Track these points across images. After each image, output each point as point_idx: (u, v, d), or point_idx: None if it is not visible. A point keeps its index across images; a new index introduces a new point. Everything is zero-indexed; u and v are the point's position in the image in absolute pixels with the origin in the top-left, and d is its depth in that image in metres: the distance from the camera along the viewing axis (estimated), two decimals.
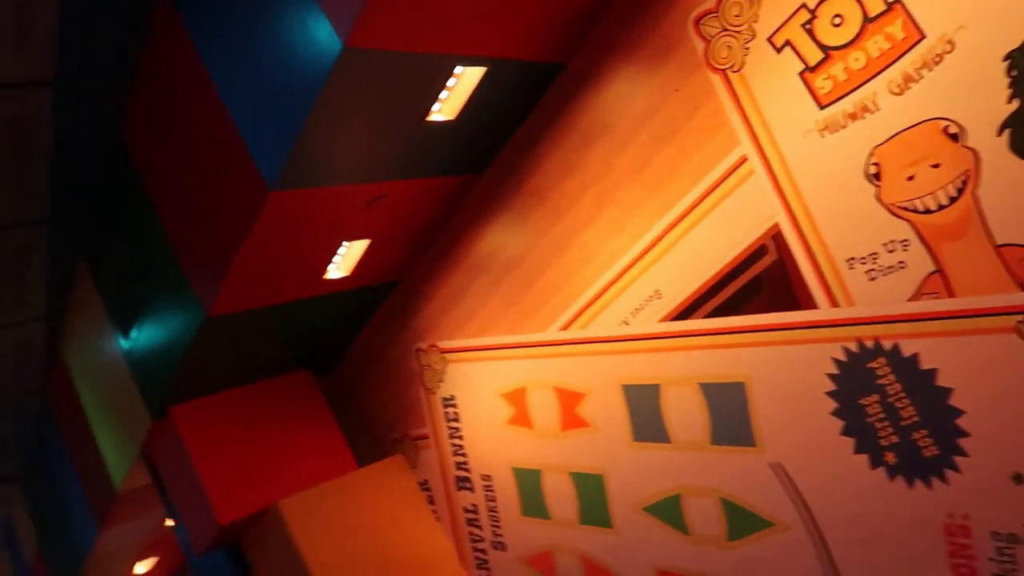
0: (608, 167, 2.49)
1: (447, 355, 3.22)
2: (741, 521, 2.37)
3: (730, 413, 2.33)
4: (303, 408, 3.54)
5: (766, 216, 2.16)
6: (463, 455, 3.25)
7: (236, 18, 2.29)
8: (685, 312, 2.41)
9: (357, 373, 3.73)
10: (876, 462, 2.06)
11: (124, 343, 3.37)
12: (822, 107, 2.03)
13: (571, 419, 2.80)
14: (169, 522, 4.45)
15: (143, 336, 3.20)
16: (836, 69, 1.99)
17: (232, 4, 2.29)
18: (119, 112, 2.86)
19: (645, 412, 2.56)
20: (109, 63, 2.67)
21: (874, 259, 1.98)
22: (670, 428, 2.51)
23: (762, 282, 2.22)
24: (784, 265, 2.16)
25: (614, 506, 2.73)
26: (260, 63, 2.24)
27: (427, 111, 2.38)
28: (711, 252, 2.29)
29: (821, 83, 2.02)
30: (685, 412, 2.45)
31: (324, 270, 2.92)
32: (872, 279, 1.99)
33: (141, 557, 5.01)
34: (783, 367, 2.19)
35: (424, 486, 3.48)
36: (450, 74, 2.30)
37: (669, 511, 2.56)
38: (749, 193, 2.17)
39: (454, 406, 3.24)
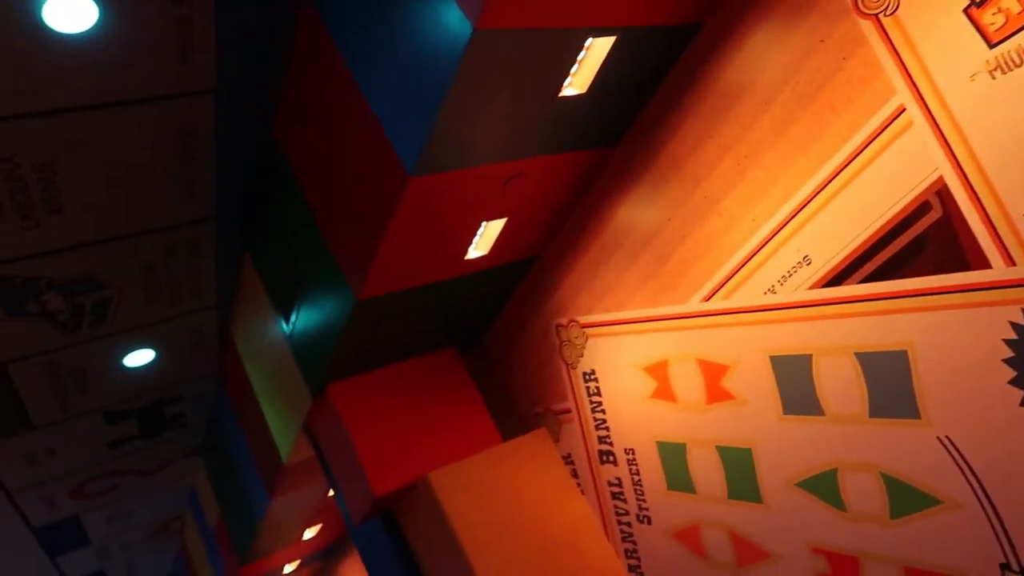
0: (748, 129, 2.38)
1: (587, 330, 3.23)
2: (905, 498, 2.23)
3: (890, 384, 2.19)
4: (449, 385, 3.67)
5: (928, 170, 1.99)
6: (606, 429, 3.26)
7: (370, 11, 2.37)
8: (837, 278, 2.28)
9: (500, 350, 3.82)
10: None
11: (285, 327, 3.62)
12: (992, 45, 1.84)
13: (716, 392, 2.73)
14: (331, 493, 4.77)
15: (302, 320, 3.42)
16: (1008, 1, 1.80)
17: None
18: (271, 112, 3.06)
19: (795, 384, 2.46)
20: (261, 68, 2.86)
21: None
22: (823, 400, 2.39)
23: (925, 242, 2.05)
24: (950, 222, 1.99)
25: (764, 481, 2.64)
26: (395, 53, 2.31)
27: (559, 86, 2.37)
28: (866, 212, 2.15)
29: (991, 18, 1.83)
30: (840, 384, 2.32)
31: (464, 251, 3.00)
32: None
33: (308, 524, 5.41)
34: (952, 333, 2.02)
35: (567, 459, 3.51)
36: (580, 47, 2.28)
37: (824, 487, 2.44)
38: (908, 146, 2.01)
39: (595, 380, 3.25)
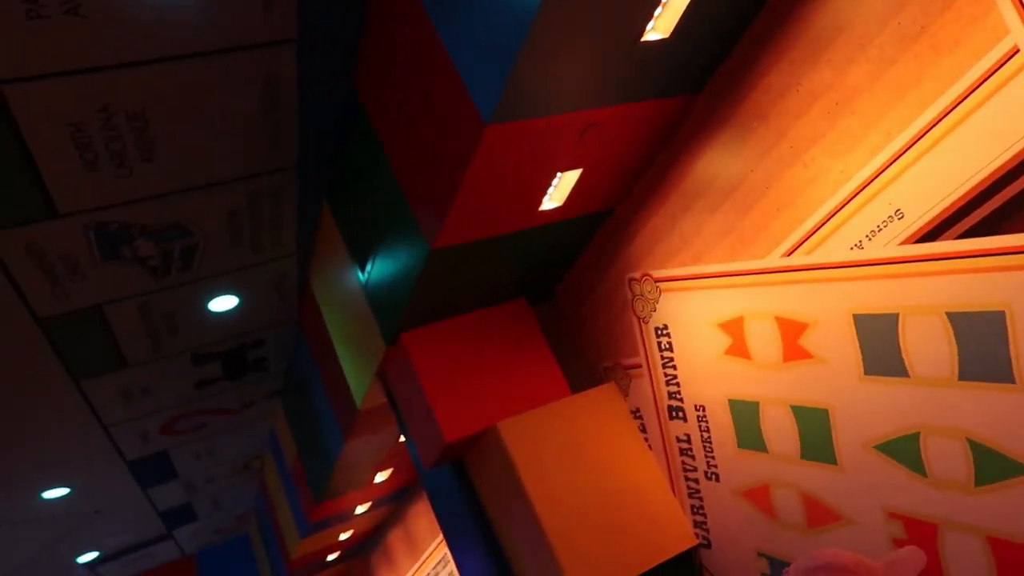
0: (842, 74, 2.26)
1: (660, 284, 3.18)
2: (992, 465, 2.13)
3: (984, 346, 2.08)
4: (520, 336, 3.69)
5: None
6: (676, 385, 3.23)
7: None
8: (931, 234, 2.16)
9: (571, 302, 3.81)
10: None
11: (362, 276, 3.69)
12: None
13: (793, 350, 2.66)
14: (402, 439, 4.91)
15: (378, 269, 3.49)
16: None
17: None
18: (352, 62, 3.08)
19: (879, 344, 2.36)
20: (342, 17, 2.87)
21: None
22: (908, 362, 2.29)
23: None
24: None
25: (840, 443, 2.57)
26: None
27: (641, 31, 2.30)
28: (967, 163, 2.02)
29: None
30: (928, 344, 2.22)
31: (539, 201, 2.98)
32: None
33: (380, 468, 5.59)
34: None
35: (636, 414, 3.50)
36: None
37: (905, 451, 2.36)
38: (1019, 91, 1.88)
39: (668, 336, 3.21)
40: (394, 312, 3.41)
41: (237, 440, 6.22)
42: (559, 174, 2.87)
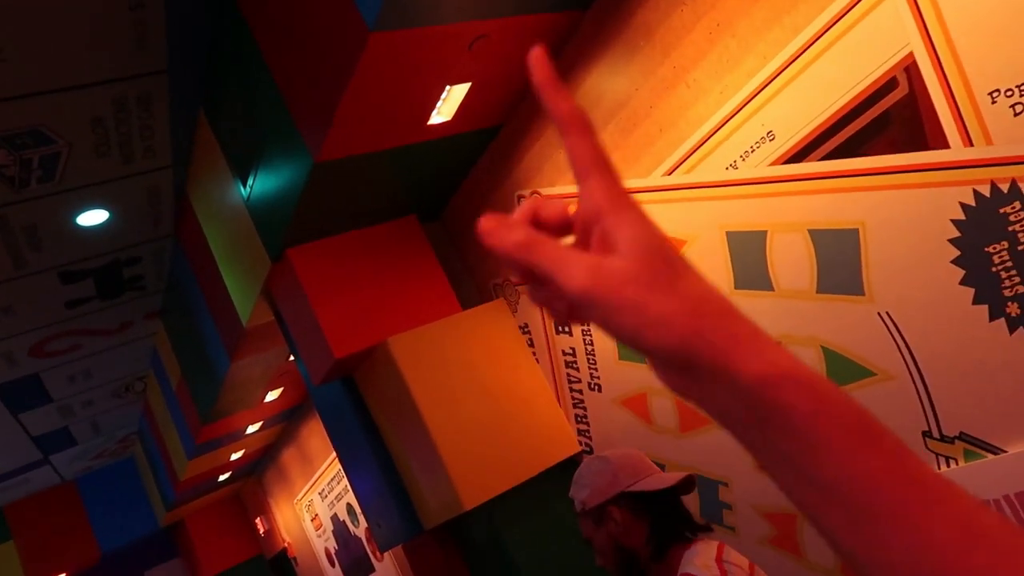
0: None
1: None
2: (842, 370, 2.34)
3: (840, 261, 2.25)
4: (410, 252, 3.67)
5: (900, 44, 1.96)
6: None
7: None
8: (799, 154, 2.28)
9: (461, 219, 3.81)
10: (996, 313, 1.96)
11: (243, 191, 3.54)
12: None
13: None
14: (292, 357, 4.85)
15: (260, 184, 3.35)
16: None
17: None
18: None
19: (748, 260, 2.51)
20: None
21: (1022, 91, 1.79)
22: (774, 276, 2.45)
23: (888, 120, 2.05)
24: (915, 100, 1.98)
25: None
26: None
27: None
28: (833, 87, 2.13)
29: None
30: (791, 260, 2.38)
31: (427, 116, 2.92)
32: (1017, 114, 1.81)
33: (270, 387, 5.52)
34: (903, 212, 2.06)
35: (524, 329, 3.60)
36: None
37: None
38: (882, 19, 1.97)
39: None
40: (278, 228, 3.31)
41: (116, 361, 5.95)
42: (448, 87, 2.81)
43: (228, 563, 9.08)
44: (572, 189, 3.05)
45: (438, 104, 2.89)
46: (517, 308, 3.60)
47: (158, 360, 6.16)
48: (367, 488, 3.78)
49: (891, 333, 2.19)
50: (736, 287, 2.58)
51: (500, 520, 3.30)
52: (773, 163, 2.35)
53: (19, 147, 3.28)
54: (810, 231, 2.31)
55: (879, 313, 2.20)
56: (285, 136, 2.96)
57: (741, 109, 2.39)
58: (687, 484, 1.84)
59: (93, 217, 4.03)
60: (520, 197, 3.36)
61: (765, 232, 2.44)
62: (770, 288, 2.47)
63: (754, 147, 2.39)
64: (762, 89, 2.31)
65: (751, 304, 2.53)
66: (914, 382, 2.17)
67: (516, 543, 3.26)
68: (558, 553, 3.32)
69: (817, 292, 2.34)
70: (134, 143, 3.63)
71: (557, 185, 3.17)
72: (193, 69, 3.37)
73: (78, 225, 4.03)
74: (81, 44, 2.92)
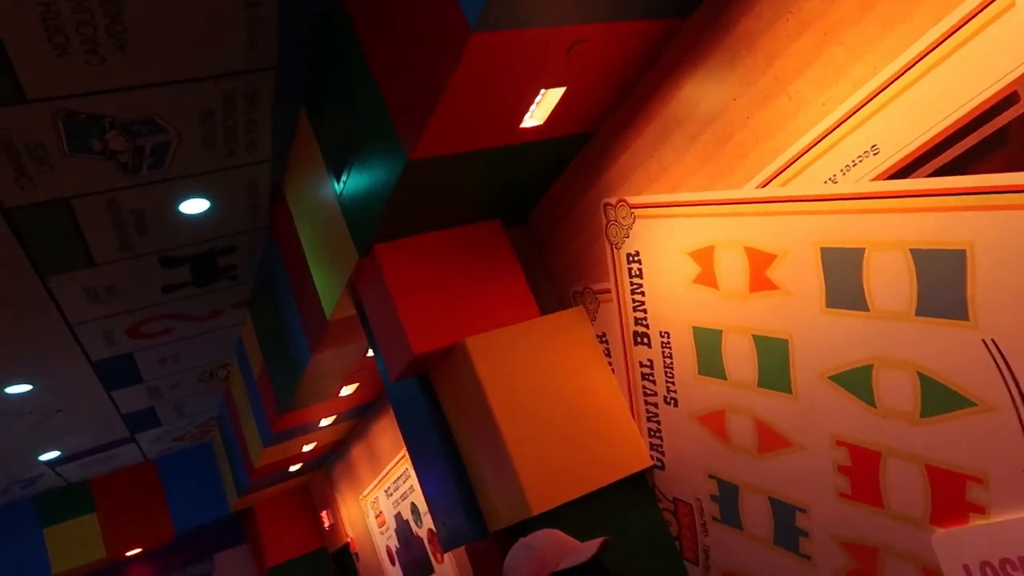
0: (832, 3, 2.25)
1: (635, 210, 3.20)
2: (938, 398, 2.23)
3: (943, 283, 2.15)
4: (493, 256, 3.71)
5: (1022, 58, 1.87)
6: (643, 311, 3.29)
7: None
8: (905, 170, 2.20)
9: (546, 226, 3.82)
10: None
11: (337, 186, 3.66)
12: None
13: (760, 281, 2.72)
14: (370, 353, 4.95)
15: (353, 179, 3.45)
16: None
17: None
18: None
19: (843, 277, 2.42)
20: None
21: None
22: (869, 295, 2.36)
23: (1007, 136, 1.96)
24: None
25: (796, 372, 2.66)
26: None
27: None
28: (947, 100, 2.04)
29: None
30: (890, 279, 2.29)
31: (520, 119, 2.96)
32: None
33: (346, 381, 5.65)
34: (1018, 234, 1.96)
35: (602, 339, 3.57)
36: None
37: (857, 381, 2.45)
38: (1006, 29, 1.88)
39: (639, 262, 3.25)
40: (368, 223, 3.40)
41: (203, 347, 6.22)
42: (543, 91, 2.84)
43: (292, 553, 9.30)
44: (658, 198, 3.03)
45: (532, 107, 2.92)
46: (596, 317, 3.58)
47: (242, 349, 6.39)
48: (435, 486, 3.81)
49: (995, 362, 2.08)
50: (828, 305, 2.50)
51: (567, 528, 3.26)
52: (875, 178, 2.28)
53: (134, 135, 3.48)
54: (912, 250, 2.22)
55: (983, 340, 2.09)
56: (381, 133, 3.04)
57: (845, 121, 2.32)
58: (604, 548, 1.97)
59: (195, 205, 4.23)
60: (606, 205, 3.35)
61: (863, 250, 2.35)
62: (865, 308, 2.38)
63: (856, 161, 2.32)
64: (869, 101, 2.24)
65: (843, 324, 2.45)
66: (1019, 414, 2.05)
67: None
68: (626, 566, 3.26)
69: (916, 314, 2.24)
70: (238, 136, 3.80)
71: (644, 194, 3.15)
72: (299, 67, 3.51)
73: (181, 212, 4.24)
74: (197, 39, 3.09)
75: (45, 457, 7.29)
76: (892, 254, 2.27)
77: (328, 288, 4.09)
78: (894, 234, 2.26)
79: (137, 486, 8.84)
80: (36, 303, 4.51)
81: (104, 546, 8.45)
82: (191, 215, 4.30)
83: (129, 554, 9.13)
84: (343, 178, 3.57)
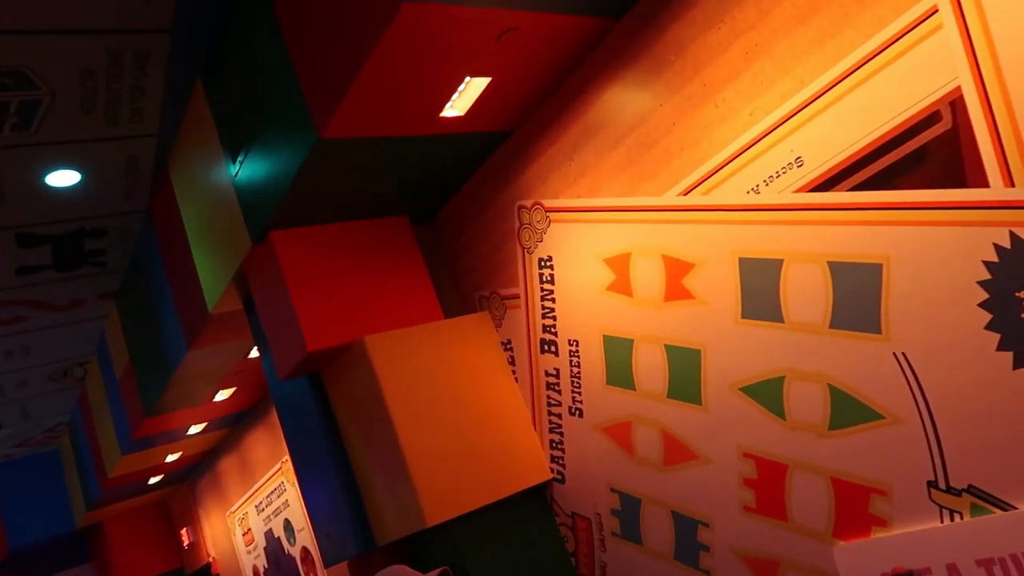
0: (766, 15, 2.26)
1: (551, 214, 3.12)
2: (847, 410, 2.25)
3: (858, 296, 2.18)
4: (396, 253, 3.53)
5: (946, 78, 1.93)
6: (552, 318, 3.20)
7: None
8: (827, 183, 2.22)
9: (454, 226, 3.68)
10: (1021, 362, 1.90)
11: (232, 167, 3.38)
12: None
13: (676, 290, 2.69)
14: (252, 353, 4.61)
15: (252, 160, 3.19)
16: None
17: None
18: None
19: (760, 288, 2.43)
20: None
21: None
22: (785, 307, 2.37)
23: (926, 154, 2.01)
24: (956, 136, 1.94)
25: (707, 383, 2.64)
26: None
27: None
28: (871, 116, 2.08)
29: None
30: (806, 291, 2.30)
31: (441, 106, 2.82)
32: None
33: (223, 386, 5.24)
34: (933, 250, 2.01)
35: (507, 346, 3.46)
36: None
37: (768, 394, 2.45)
38: (931, 50, 1.94)
39: (551, 267, 3.16)
40: (265, 208, 3.14)
41: (59, 341, 5.61)
42: (467, 78, 2.72)
43: (145, 574, 8.54)
44: (577, 202, 2.97)
45: (454, 96, 2.79)
46: (502, 323, 3.47)
47: (104, 345, 5.83)
48: (319, 496, 3.55)
49: (905, 375, 2.12)
50: (743, 316, 2.49)
51: (461, 541, 3.11)
52: (798, 190, 2.29)
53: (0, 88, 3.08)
54: (830, 263, 2.24)
55: (895, 353, 2.12)
56: (291, 109, 2.82)
57: (770, 132, 2.33)
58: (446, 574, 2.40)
59: (64, 178, 3.80)
60: (521, 208, 3.26)
61: (781, 261, 2.36)
62: (780, 319, 2.39)
63: (780, 172, 2.33)
64: (795, 113, 2.26)
65: (757, 335, 2.45)
66: (924, 428, 2.09)
67: (477, 567, 3.06)
68: None
69: (830, 327, 2.26)
70: (122, 104, 3.45)
71: (561, 197, 3.08)
72: (198, 31, 3.23)
73: (46, 184, 3.80)
74: None
75: None
76: (810, 266, 2.29)
77: (213, 279, 3.77)
78: (813, 246, 2.27)
79: None
80: None
81: None
82: (59, 188, 3.86)
83: None
84: (239, 158, 3.30)
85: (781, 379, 2.41)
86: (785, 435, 2.42)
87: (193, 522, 8.38)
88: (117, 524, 8.62)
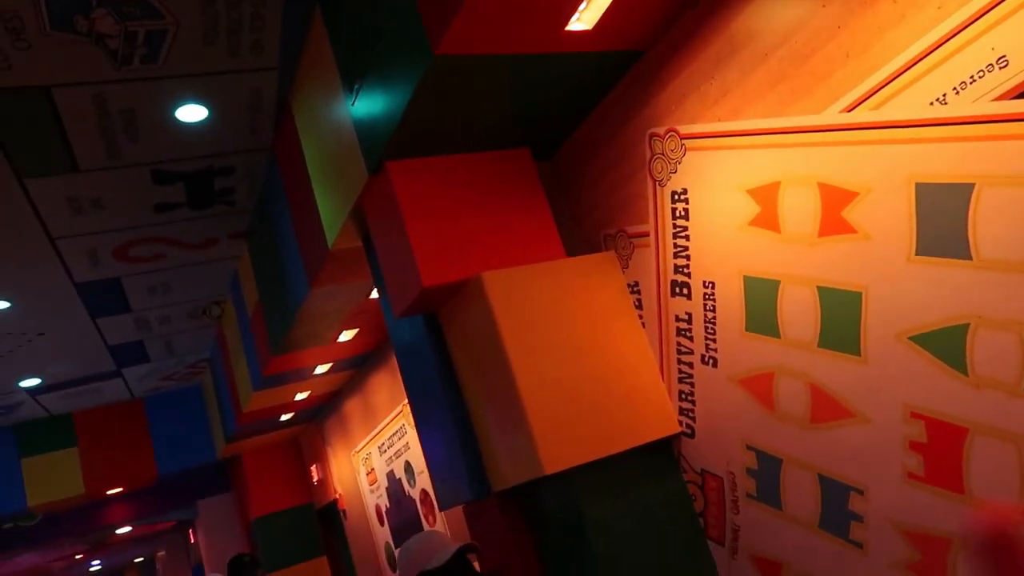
0: None
1: (687, 141, 2.80)
2: None
3: None
4: (517, 188, 3.32)
5: None
6: (686, 257, 2.90)
7: None
8: None
9: (578, 159, 3.43)
10: None
11: (350, 96, 3.26)
12: None
13: (833, 223, 2.33)
14: (374, 294, 4.59)
15: (369, 87, 3.06)
16: None
17: None
18: None
19: (942, 219, 2.04)
20: None
21: None
22: (974, 242, 1.98)
23: None
24: None
25: (868, 331, 2.28)
26: None
27: None
28: None
29: None
30: (1004, 221, 1.90)
31: (567, 18, 2.55)
32: None
33: (346, 326, 5.29)
34: None
35: (633, 288, 3.20)
36: None
37: (946, 343, 2.08)
38: None
39: (685, 201, 2.86)
40: (382, 136, 3.01)
41: (197, 279, 5.86)
42: None
43: (278, 506, 9.02)
44: (717, 127, 2.63)
45: (581, 6, 2.52)
46: (628, 263, 3.20)
47: (237, 286, 6.04)
48: (435, 439, 3.46)
49: None
50: (918, 252, 2.11)
51: (580, 493, 2.92)
52: (999, 97, 1.88)
53: (125, 16, 3.08)
54: None
55: None
56: (406, 26, 2.64)
57: (964, 29, 1.92)
58: (468, 547, 2.54)
59: (192, 113, 3.84)
60: (653, 136, 2.96)
61: (972, 185, 1.96)
62: (966, 256, 1.99)
63: (975, 77, 1.92)
64: (999, 3, 1.84)
65: (936, 274, 2.07)
66: None
67: (596, 522, 2.87)
68: (639, 540, 2.92)
69: None
70: (243, 33, 3.40)
71: (699, 123, 2.75)
72: None
73: (176, 119, 3.85)
74: None
75: (26, 384, 6.97)
76: (1012, 191, 1.88)
77: (332, 213, 3.72)
78: (1017, 166, 1.86)
79: (122, 424, 8.54)
80: (14, 208, 4.14)
81: (84, 482, 8.17)
82: (188, 123, 3.91)
83: (110, 493, 8.86)
84: (356, 87, 3.18)
85: (965, 327, 2.03)
86: (966, 393, 2.04)
87: (322, 460, 8.73)
88: (254, 457, 9.12)
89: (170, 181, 4.39)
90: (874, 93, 2.16)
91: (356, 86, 3.18)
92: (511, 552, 3.17)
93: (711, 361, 2.87)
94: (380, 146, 3.04)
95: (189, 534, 12.46)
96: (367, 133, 3.15)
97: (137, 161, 4.09)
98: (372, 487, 7.18)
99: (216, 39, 3.37)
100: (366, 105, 3.11)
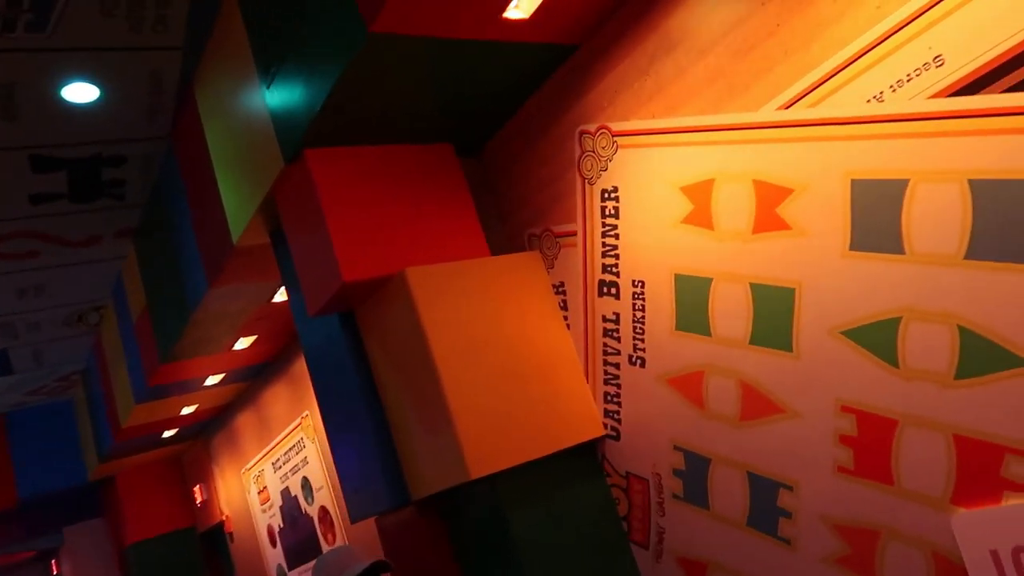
0: None
1: (619, 139, 2.78)
2: (981, 355, 1.91)
3: (1008, 220, 1.83)
4: (440, 183, 3.20)
5: None
6: (614, 257, 2.87)
7: None
8: (972, 87, 1.87)
9: (505, 157, 3.35)
10: None
11: (265, 79, 3.06)
12: None
13: (768, 220, 2.35)
14: (277, 297, 4.33)
15: (288, 70, 2.87)
16: None
17: None
18: None
19: (876, 215, 2.08)
20: None
21: None
22: (907, 236, 2.03)
23: None
24: None
25: (801, 327, 2.31)
26: None
27: None
28: None
29: None
30: (937, 216, 1.96)
31: (506, 3, 2.48)
32: None
33: (244, 333, 4.97)
34: None
35: (559, 289, 3.14)
36: None
37: (878, 337, 2.12)
38: None
39: (615, 200, 2.83)
40: (302, 120, 2.82)
41: (74, 281, 5.36)
42: None
43: (156, 531, 8.36)
44: (650, 124, 2.62)
45: None
46: (554, 264, 3.14)
47: (121, 290, 5.57)
48: (349, 447, 3.26)
49: None
50: (852, 248, 2.15)
51: (504, 498, 2.81)
52: (935, 95, 1.94)
53: None
54: (971, 181, 1.89)
55: None
56: (336, 2, 2.49)
57: (903, 28, 1.98)
58: (382, 564, 2.59)
59: (82, 92, 3.51)
60: (583, 134, 2.92)
61: (906, 181, 2.02)
62: (899, 251, 2.05)
63: (912, 75, 1.98)
64: (937, 2, 1.91)
65: (869, 269, 2.11)
66: None
67: (520, 529, 2.77)
68: (563, 547, 2.83)
69: (966, 257, 1.92)
70: (146, 7, 3.14)
71: (631, 119, 2.74)
72: None
73: (63, 99, 3.50)
74: None
75: None
76: (944, 186, 1.94)
77: (239, 205, 3.47)
78: (950, 162, 1.93)
79: None
80: None
81: None
82: (76, 104, 3.57)
83: None
84: (273, 70, 2.99)
85: (896, 320, 2.08)
86: (897, 385, 2.09)
87: (207, 479, 8.18)
88: (130, 478, 8.43)
89: (50, 169, 3.99)
90: (812, 90, 2.20)
91: (272, 69, 2.99)
92: (429, 561, 3.01)
93: (639, 361, 2.84)
94: (299, 133, 2.85)
95: (52, 565, 11.36)
96: (284, 119, 2.96)
97: (14, 143, 3.69)
98: (264, 506, 6.77)
99: (115, 11, 3.09)
100: (284, 89, 2.92)
